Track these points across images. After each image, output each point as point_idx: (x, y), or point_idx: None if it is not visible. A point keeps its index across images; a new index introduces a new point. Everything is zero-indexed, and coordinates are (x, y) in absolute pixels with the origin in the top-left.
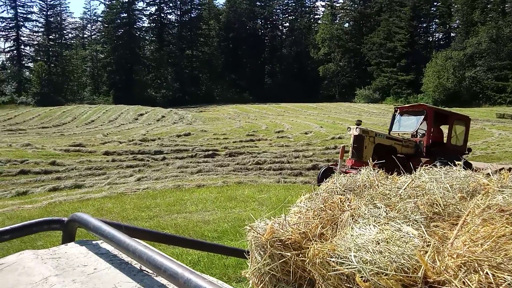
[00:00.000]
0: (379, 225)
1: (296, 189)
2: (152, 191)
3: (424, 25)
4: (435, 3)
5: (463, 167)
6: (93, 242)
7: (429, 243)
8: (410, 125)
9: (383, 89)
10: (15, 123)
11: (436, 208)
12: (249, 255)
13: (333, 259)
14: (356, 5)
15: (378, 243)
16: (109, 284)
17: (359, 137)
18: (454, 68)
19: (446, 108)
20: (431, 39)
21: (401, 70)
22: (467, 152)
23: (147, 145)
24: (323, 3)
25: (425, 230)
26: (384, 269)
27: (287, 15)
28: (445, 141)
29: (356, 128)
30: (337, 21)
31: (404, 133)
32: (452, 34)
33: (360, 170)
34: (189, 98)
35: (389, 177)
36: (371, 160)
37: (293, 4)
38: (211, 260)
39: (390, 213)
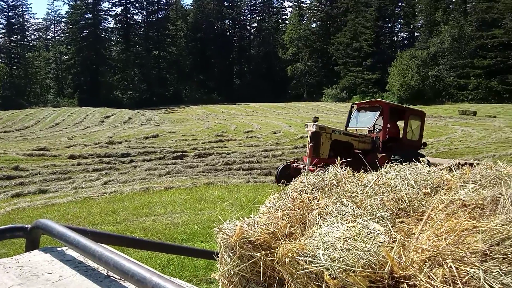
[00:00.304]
0: (346, 223)
1: (266, 189)
2: (120, 195)
3: (389, 25)
4: (399, 4)
5: (427, 163)
6: (58, 249)
7: (395, 239)
8: (367, 121)
9: (350, 88)
10: None
11: (402, 204)
12: (218, 256)
13: (301, 258)
14: (323, 6)
15: (346, 241)
16: None
17: (315, 134)
18: (418, 67)
19: (411, 105)
20: (396, 39)
21: (367, 69)
22: (422, 147)
23: (114, 148)
24: (291, 4)
25: (391, 226)
26: (351, 266)
27: (255, 16)
28: (401, 136)
29: (313, 124)
30: (305, 21)
31: (362, 129)
32: (416, 34)
33: (318, 166)
34: (157, 99)
35: (356, 175)
36: (338, 158)
37: (261, 5)
38: (181, 263)
39: (357, 210)
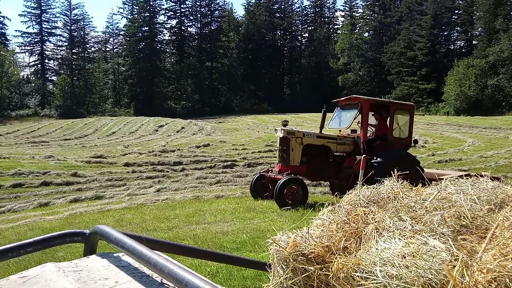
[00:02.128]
0: (404, 239)
1: (315, 200)
2: (171, 202)
3: (446, 33)
4: (456, 11)
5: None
6: (114, 254)
7: (457, 257)
8: (346, 120)
9: (403, 98)
10: (38, 135)
11: (464, 221)
12: (270, 268)
13: (357, 274)
14: (376, 15)
15: (404, 257)
16: None
17: (284, 139)
18: (476, 76)
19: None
20: (452, 47)
21: (422, 79)
22: (413, 145)
23: (167, 156)
24: (343, 13)
25: (453, 244)
26: (411, 284)
27: (306, 26)
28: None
29: (281, 129)
30: (357, 30)
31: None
32: (474, 42)
33: (286, 174)
34: (209, 109)
35: (413, 188)
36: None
37: (313, 15)
38: (230, 272)
39: (415, 226)
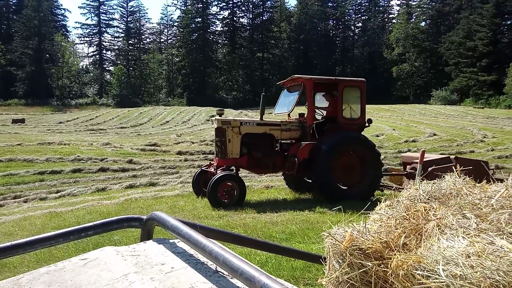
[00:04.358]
0: (469, 237)
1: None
2: None
3: (509, 22)
4: None
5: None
6: (170, 241)
7: None
8: (291, 103)
9: (461, 90)
10: (96, 123)
11: None
12: (325, 261)
13: (418, 272)
14: (433, 3)
15: (469, 257)
16: (186, 283)
17: (220, 130)
18: None
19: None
20: None
21: (482, 70)
22: (367, 124)
23: None
24: (398, 2)
25: None
26: (476, 285)
27: (359, 15)
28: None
29: (216, 119)
30: (413, 20)
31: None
32: None
33: (222, 169)
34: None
35: (477, 185)
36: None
37: (367, 4)
38: (279, 262)
39: (481, 224)
